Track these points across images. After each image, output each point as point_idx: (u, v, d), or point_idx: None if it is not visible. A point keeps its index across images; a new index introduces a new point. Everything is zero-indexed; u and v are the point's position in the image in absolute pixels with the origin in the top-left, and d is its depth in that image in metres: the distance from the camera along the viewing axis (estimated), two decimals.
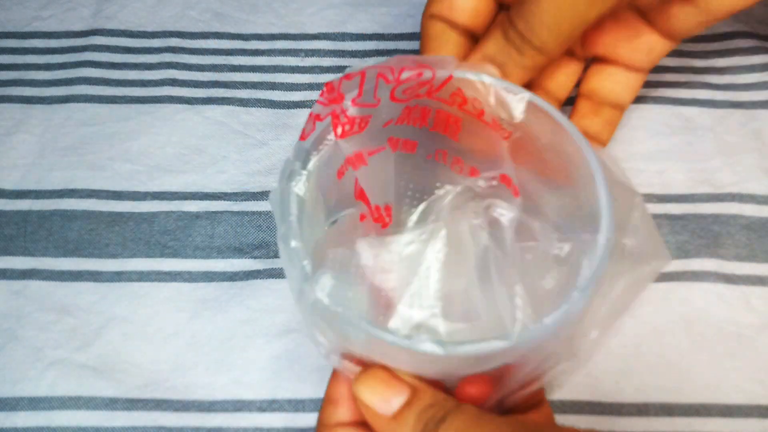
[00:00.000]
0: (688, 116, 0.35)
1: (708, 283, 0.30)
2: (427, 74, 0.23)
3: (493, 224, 0.25)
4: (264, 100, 0.37)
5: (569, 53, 0.30)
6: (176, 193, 0.33)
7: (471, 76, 0.23)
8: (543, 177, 0.24)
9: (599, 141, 0.31)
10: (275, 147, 0.35)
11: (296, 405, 0.28)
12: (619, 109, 0.31)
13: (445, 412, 0.18)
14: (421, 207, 0.26)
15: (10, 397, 0.28)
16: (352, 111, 0.23)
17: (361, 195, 0.24)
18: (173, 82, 0.37)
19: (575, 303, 0.19)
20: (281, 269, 0.31)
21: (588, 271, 0.20)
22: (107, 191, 0.33)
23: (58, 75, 0.38)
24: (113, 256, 0.32)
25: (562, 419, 0.27)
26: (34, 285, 0.31)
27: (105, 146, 0.35)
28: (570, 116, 0.31)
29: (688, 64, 0.37)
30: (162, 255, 0.32)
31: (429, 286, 0.22)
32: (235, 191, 0.34)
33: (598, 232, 0.20)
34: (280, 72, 0.38)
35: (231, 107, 0.36)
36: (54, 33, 0.39)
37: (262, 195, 0.33)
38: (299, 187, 0.22)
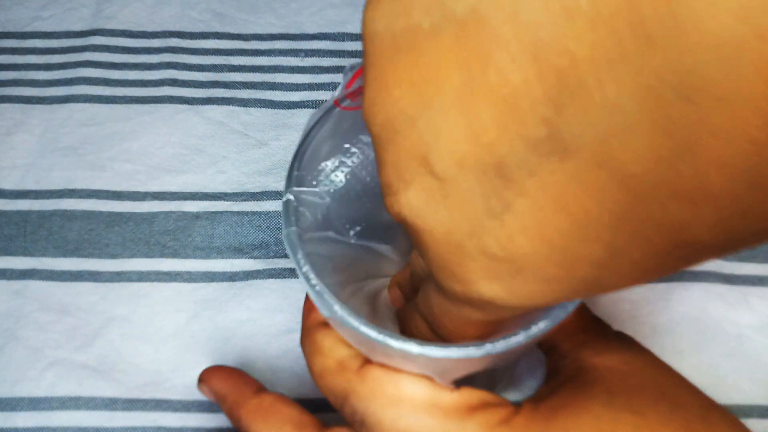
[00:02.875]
0: None
1: (708, 283, 0.30)
2: None
3: None
4: (264, 100, 0.37)
5: None
6: (176, 193, 0.33)
7: None
8: None
9: None
10: (275, 147, 0.35)
11: None
12: None
13: None
14: None
15: (10, 398, 0.28)
16: None
17: None
18: (173, 82, 0.37)
19: (559, 314, 0.19)
20: (281, 269, 0.31)
21: None
22: (107, 191, 0.33)
23: (58, 75, 0.38)
24: (113, 256, 0.32)
25: None
26: (34, 285, 0.31)
27: (105, 146, 0.35)
28: None
29: None
30: (162, 255, 0.32)
31: None
32: (235, 191, 0.34)
33: None
34: (280, 72, 0.38)
35: (231, 107, 0.36)
36: (54, 33, 0.39)
37: (261, 195, 0.33)
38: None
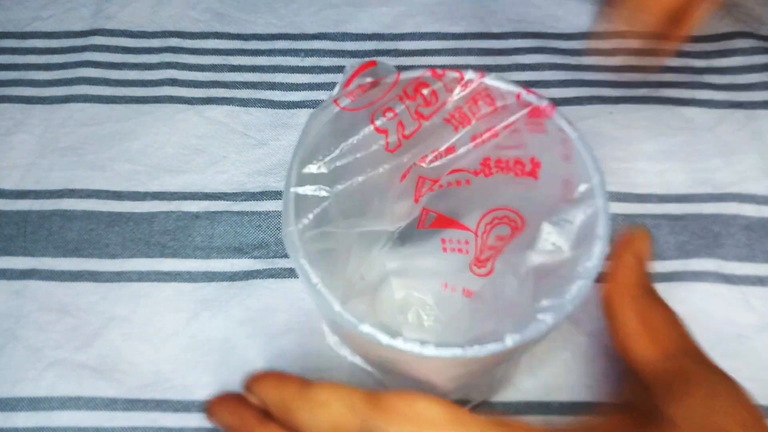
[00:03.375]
0: (688, 116, 0.35)
1: (708, 283, 0.30)
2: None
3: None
4: (264, 100, 0.37)
5: None
6: (176, 193, 0.33)
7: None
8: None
9: None
10: (275, 147, 0.35)
11: None
12: None
13: None
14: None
15: (10, 398, 0.28)
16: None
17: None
18: (173, 82, 0.37)
19: (561, 311, 0.19)
20: (281, 269, 0.31)
21: (580, 282, 0.20)
22: (107, 191, 0.33)
23: (58, 75, 0.38)
24: (113, 256, 0.32)
25: (560, 420, 0.27)
26: (34, 285, 0.31)
27: (105, 146, 0.35)
28: None
29: (688, 64, 0.37)
30: (162, 255, 0.32)
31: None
32: (235, 191, 0.34)
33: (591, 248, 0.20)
34: (280, 72, 0.38)
35: (231, 107, 0.36)
36: (54, 33, 0.39)
37: (261, 195, 0.33)
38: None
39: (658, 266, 0.31)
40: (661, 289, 0.30)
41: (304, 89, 0.37)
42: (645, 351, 0.22)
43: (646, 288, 0.24)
